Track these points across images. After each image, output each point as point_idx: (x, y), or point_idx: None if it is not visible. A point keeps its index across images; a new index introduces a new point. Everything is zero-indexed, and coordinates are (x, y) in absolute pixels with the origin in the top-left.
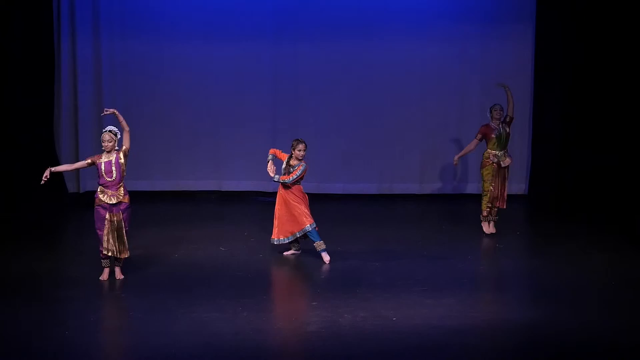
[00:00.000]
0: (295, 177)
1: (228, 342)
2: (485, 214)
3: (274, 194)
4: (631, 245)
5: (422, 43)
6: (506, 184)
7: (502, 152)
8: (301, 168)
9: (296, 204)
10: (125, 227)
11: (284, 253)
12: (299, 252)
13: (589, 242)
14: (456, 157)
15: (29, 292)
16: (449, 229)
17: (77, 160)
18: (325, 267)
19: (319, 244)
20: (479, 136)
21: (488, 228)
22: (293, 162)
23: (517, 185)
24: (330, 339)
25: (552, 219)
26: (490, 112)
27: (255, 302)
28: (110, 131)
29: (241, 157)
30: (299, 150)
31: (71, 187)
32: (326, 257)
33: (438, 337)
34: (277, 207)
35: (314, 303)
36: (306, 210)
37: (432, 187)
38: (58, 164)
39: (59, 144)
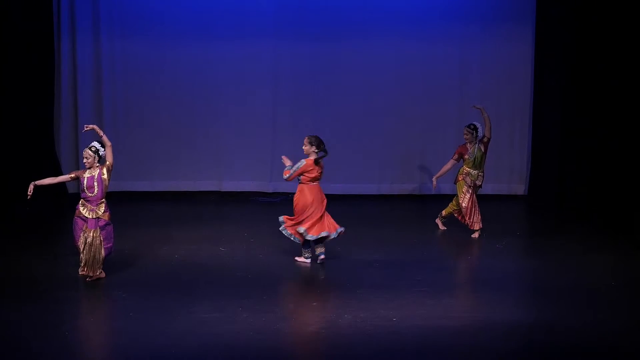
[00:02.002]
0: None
1: (228, 342)
2: (444, 214)
3: (274, 194)
4: (631, 245)
5: (422, 43)
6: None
7: (476, 172)
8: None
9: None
10: (105, 244)
11: (297, 258)
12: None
13: (589, 243)
14: (434, 179)
15: (29, 293)
16: (449, 229)
17: (77, 160)
18: (325, 267)
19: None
20: (456, 156)
21: (442, 226)
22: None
23: (517, 186)
24: (330, 339)
25: (552, 219)
26: (463, 132)
27: (255, 302)
28: (90, 148)
29: (241, 157)
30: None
31: (71, 188)
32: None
33: (438, 337)
34: (315, 202)
35: (314, 303)
36: None
37: (431, 187)
38: (58, 164)
39: (59, 144)
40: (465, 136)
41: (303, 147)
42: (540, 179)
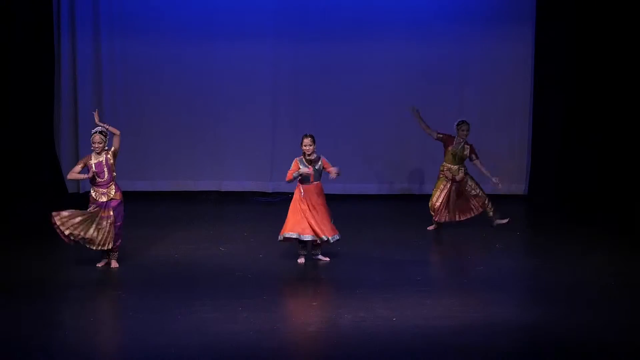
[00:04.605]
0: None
1: (228, 342)
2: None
3: (274, 194)
4: (631, 245)
5: (421, 43)
6: (466, 201)
7: (456, 167)
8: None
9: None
10: (116, 222)
11: (299, 260)
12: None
13: (589, 242)
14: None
15: (29, 292)
16: (448, 229)
17: (77, 159)
18: (325, 267)
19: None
20: (440, 136)
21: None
22: (309, 158)
23: (517, 185)
24: (330, 339)
25: (552, 219)
26: (459, 127)
27: (255, 302)
28: (100, 132)
29: (241, 157)
30: (304, 145)
31: (71, 188)
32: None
33: (438, 337)
34: (313, 206)
35: (314, 303)
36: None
37: (431, 187)
38: (58, 164)
39: (58, 144)
40: (465, 132)
41: (307, 147)
42: (540, 179)
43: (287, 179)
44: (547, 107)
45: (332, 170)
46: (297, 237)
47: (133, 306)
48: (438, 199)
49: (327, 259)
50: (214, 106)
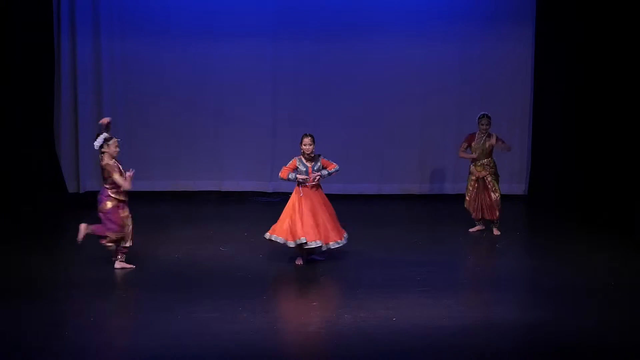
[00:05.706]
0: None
1: (228, 342)
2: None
3: (274, 194)
4: (631, 245)
5: (422, 43)
6: (490, 194)
7: (480, 163)
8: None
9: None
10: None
11: (296, 262)
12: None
13: (589, 243)
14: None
15: (29, 292)
16: (449, 229)
17: (77, 160)
18: (325, 267)
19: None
20: (465, 145)
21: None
22: (308, 157)
23: (517, 185)
24: (330, 339)
25: (552, 219)
26: (479, 121)
27: (255, 302)
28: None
29: (241, 157)
30: (304, 145)
31: (71, 188)
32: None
33: (438, 337)
34: (313, 208)
35: (314, 303)
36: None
37: (432, 187)
38: (58, 164)
39: (59, 144)
40: (485, 126)
41: (307, 147)
42: (540, 179)
43: (280, 175)
44: (547, 107)
45: (311, 177)
46: (284, 242)
47: (133, 306)
48: (469, 196)
49: (323, 258)
50: (214, 106)
